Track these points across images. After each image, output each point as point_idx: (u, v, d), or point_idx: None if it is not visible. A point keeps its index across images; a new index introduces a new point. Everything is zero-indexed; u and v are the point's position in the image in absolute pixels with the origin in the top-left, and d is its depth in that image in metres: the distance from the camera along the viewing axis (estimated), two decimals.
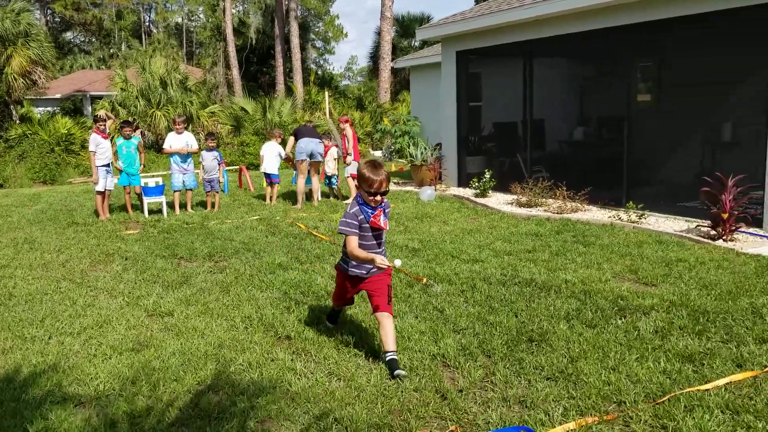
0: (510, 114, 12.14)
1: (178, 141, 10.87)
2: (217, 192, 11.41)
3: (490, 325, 4.96)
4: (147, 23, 62.34)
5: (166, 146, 10.99)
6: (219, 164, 11.44)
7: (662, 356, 4.28)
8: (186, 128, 11.41)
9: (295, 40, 31.04)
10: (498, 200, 11.03)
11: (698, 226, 8.13)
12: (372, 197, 4.27)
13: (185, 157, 10.96)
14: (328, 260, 7.18)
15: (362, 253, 4.27)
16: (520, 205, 10.33)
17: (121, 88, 23.00)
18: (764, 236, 7.70)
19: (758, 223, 7.98)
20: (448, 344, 4.58)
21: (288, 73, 33.26)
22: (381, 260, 4.22)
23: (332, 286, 6.10)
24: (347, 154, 11.79)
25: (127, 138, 10.67)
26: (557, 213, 9.49)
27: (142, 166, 11.01)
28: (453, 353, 4.44)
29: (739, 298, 5.40)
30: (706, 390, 3.76)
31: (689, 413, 3.51)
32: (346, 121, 12.32)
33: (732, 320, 4.88)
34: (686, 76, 9.14)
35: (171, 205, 11.15)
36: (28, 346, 4.84)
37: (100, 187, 10.38)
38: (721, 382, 3.85)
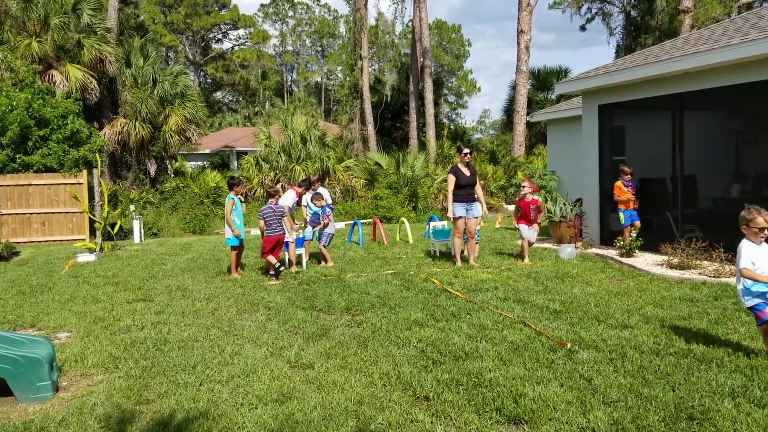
0: (657, 169, 11.53)
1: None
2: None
3: (645, 399, 4.59)
4: (289, 83, 66.39)
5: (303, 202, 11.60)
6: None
7: None
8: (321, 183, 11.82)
9: (429, 96, 31.66)
10: (646, 261, 10.38)
11: None
12: None
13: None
14: (464, 318, 7.03)
15: None
16: (671, 266, 9.65)
17: (265, 144, 24.43)
18: None
19: None
20: (598, 417, 4.28)
21: (421, 128, 33.88)
22: None
23: (470, 345, 5.96)
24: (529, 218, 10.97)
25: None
26: (714, 277, 8.78)
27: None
28: (604, 427, 4.14)
29: None
30: None
31: None
32: (530, 185, 11.25)
33: None
34: None
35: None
36: (182, 391, 5.06)
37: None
38: None
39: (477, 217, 10.71)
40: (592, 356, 5.60)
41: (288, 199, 11.23)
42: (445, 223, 12.91)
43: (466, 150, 10.69)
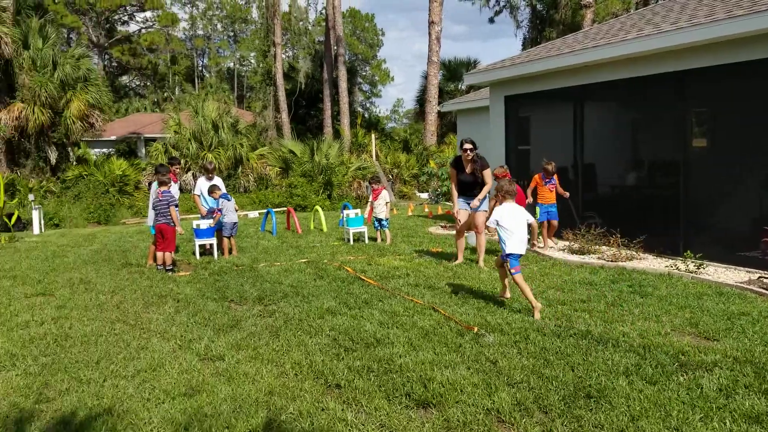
0: (559, 157, 12.00)
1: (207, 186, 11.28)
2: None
3: (546, 379, 4.81)
4: (200, 68, 64.45)
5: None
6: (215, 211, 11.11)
7: (727, 416, 4.08)
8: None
9: (343, 85, 31.61)
10: (550, 247, 10.82)
11: (761, 277, 7.82)
12: None
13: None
14: (376, 305, 7.12)
15: None
16: (572, 251, 10.12)
17: (175, 131, 23.70)
18: None
19: None
20: (502, 398, 4.46)
21: (335, 116, 33.80)
22: None
23: (381, 332, 6.05)
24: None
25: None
26: (611, 261, 9.26)
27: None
28: (508, 408, 4.31)
29: None
30: None
31: None
32: (505, 176, 10.00)
33: None
34: (743, 121, 8.91)
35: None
36: (84, 388, 4.89)
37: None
38: None
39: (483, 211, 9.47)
40: (498, 339, 5.80)
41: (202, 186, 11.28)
42: (358, 211, 13.00)
43: (467, 146, 9.22)
